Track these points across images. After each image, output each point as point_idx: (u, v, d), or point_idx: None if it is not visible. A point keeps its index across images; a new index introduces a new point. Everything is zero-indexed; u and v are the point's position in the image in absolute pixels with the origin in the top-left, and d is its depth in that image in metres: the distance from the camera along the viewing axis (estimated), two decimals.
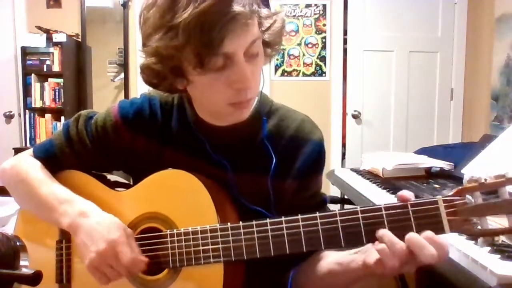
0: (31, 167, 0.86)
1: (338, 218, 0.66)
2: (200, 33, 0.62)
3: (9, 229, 0.92)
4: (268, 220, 0.70)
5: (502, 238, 0.65)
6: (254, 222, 0.70)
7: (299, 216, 0.68)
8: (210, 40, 0.63)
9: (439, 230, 0.63)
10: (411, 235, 0.61)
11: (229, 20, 0.63)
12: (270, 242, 0.69)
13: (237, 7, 0.63)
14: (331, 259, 0.79)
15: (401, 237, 0.63)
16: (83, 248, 0.75)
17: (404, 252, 0.61)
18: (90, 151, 0.85)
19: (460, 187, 0.63)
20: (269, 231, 0.69)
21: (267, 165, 0.82)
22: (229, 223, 0.72)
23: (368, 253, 0.67)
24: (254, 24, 0.68)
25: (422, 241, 0.60)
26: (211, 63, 0.66)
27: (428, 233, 0.61)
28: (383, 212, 0.64)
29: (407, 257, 0.61)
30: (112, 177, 0.94)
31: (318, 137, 0.87)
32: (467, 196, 0.62)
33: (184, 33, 0.63)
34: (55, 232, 0.85)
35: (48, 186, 0.83)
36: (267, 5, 0.73)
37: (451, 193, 0.63)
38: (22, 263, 0.66)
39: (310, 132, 0.86)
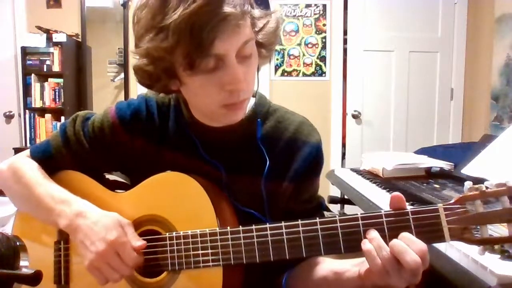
0: (27, 168, 0.85)
1: (338, 224, 0.66)
2: (190, 35, 0.62)
3: (9, 229, 0.91)
4: (268, 225, 0.69)
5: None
6: (253, 227, 0.70)
7: (299, 222, 0.68)
8: (200, 42, 0.63)
9: (439, 238, 0.62)
10: (395, 241, 0.61)
11: (220, 21, 0.63)
12: (270, 247, 0.69)
13: (227, 8, 0.63)
14: (327, 266, 0.79)
15: None
16: (83, 249, 0.74)
17: (389, 257, 0.61)
18: (87, 152, 0.85)
19: (461, 195, 0.63)
20: (269, 236, 0.69)
21: (261, 167, 0.81)
22: (228, 227, 0.72)
23: (363, 263, 0.67)
24: (246, 25, 0.68)
25: (405, 246, 0.60)
26: (202, 64, 0.66)
27: (406, 233, 0.62)
28: (384, 219, 0.64)
29: (392, 263, 0.61)
30: (111, 177, 0.93)
31: (316, 139, 0.86)
32: (468, 204, 0.62)
33: (174, 34, 0.62)
34: (53, 232, 0.85)
35: (45, 187, 0.82)
36: (266, 4, 0.73)
37: (452, 201, 0.63)
38: (22, 263, 0.66)
39: (308, 134, 0.85)
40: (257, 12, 0.71)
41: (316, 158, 0.85)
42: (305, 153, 0.84)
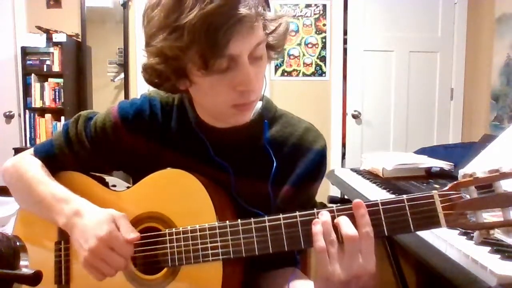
0: (30, 166, 0.86)
1: (336, 214, 0.66)
2: (206, 35, 0.62)
3: (9, 229, 0.92)
4: (266, 218, 0.70)
5: (497, 232, 0.65)
6: (252, 220, 0.71)
7: (297, 213, 0.68)
8: (216, 42, 0.63)
9: (435, 224, 0.63)
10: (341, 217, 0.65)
11: (236, 22, 0.63)
12: (269, 239, 0.69)
13: (243, 10, 0.63)
14: None
15: (398, 231, 0.64)
16: (78, 247, 0.75)
17: (333, 241, 0.64)
18: (89, 152, 0.85)
19: (455, 182, 0.64)
20: (267, 228, 0.69)
21: (268, 169, 0.82)
22: (227, 221, 0.72)
23: None
24: (260, 26, 0.68)
25: (348, 221, 0.64)
26: (215, 64, 0.65)
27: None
28: (380, 207, 0.65)
29: (335, 247, 0.63)
30: (111, 181, 0.93)
31: (321, 145, 0.86)
32: (462, 190, 0.63)
33: (189, 34, 0.62)
34: (53, 233, 0.85)
35: (46, 185, 0.82)
36: (267, 5, 0.73)
37: (446, 188, 0.64)
38: (22, 263, 0.66)
39: (313, 141, 0.85)
40: (269, 14, 0.72)
41: (318, 164, 0.85)
42: (309, 159, 0.84)
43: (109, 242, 0.72)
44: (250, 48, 0.67)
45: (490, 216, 0.64)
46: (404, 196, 0.65)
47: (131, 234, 0.73)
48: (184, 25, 0.62)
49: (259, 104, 0.84)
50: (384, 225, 0.64)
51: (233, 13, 0.62)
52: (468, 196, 0.63)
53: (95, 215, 0.75)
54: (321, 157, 0.85)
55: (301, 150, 0.84)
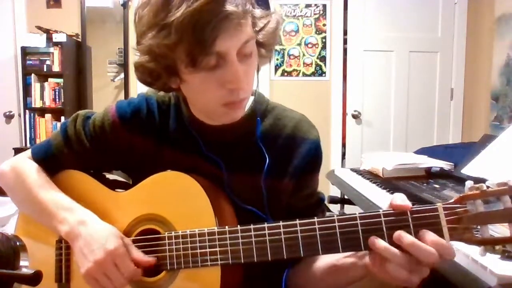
0: (30, 171, 0.86)
1: (336, 223, 0.65)
2: (193, 32, 0.63)
3: (9, 229, 0.92)
4: (266, 225, 0.69)
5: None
6: (252, 226, 0.70)
7: (297, 221, 0.68)
8: (203, 39, 0.63)
9: None
10: (409, 240, 0.61)
11: (222, 19, 0.63)
12: (268, 247, 0.69)
13: (229, 7, 0.63)
14: (329, 259, 0.79)
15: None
16: (81, 257, 0.75)
17: (406, 259, 0.60)
18: (88, 151, 0.85)
19: (461, 195, 0.62)
20: (267, 235, 0.69)
21: (261, 165, 0.82)
22: (227, 227, 0.72)
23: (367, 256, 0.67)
24: (248, 24, 0.68)
25: (421, 245, 0.60)
26: (203, 62, 0.66)
27: (428, 235, 0.61)
28: (382, 218, 0.63)
29: (411, 263, 0.60)
30: (111, 176, 0.94)
31: (315, 136, 0.87)
32: (468, 203, 0.61)
33: (176, 31, 0.63)
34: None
35: (48, 192, 0.83)
36: (266, 4, 0.73)
37: (451, 200, 0.62)
38: (22, 263, 0.66)
39: (307, 131, 0.86)
40: (258, 12, 0.72)
41: (315, 155, 0.86)
42: (304, 150, 0.84)
43: (115, 258, 0.72)
44: (238, 46, 0.67)
45: (493, 226, 0.62)
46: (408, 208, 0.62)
47: (145, 257, 0.74)
48: (172, 23, 0.63)
49: (250, 99, 0.84)
50: (386, 236, 0.63)
51: (220, 10, 0.63)
52: (474, 209, 0.60)
53: (102, 227, 0.76)
54: (316, 147, 0.86)
55: (296, 141, 0.85)
